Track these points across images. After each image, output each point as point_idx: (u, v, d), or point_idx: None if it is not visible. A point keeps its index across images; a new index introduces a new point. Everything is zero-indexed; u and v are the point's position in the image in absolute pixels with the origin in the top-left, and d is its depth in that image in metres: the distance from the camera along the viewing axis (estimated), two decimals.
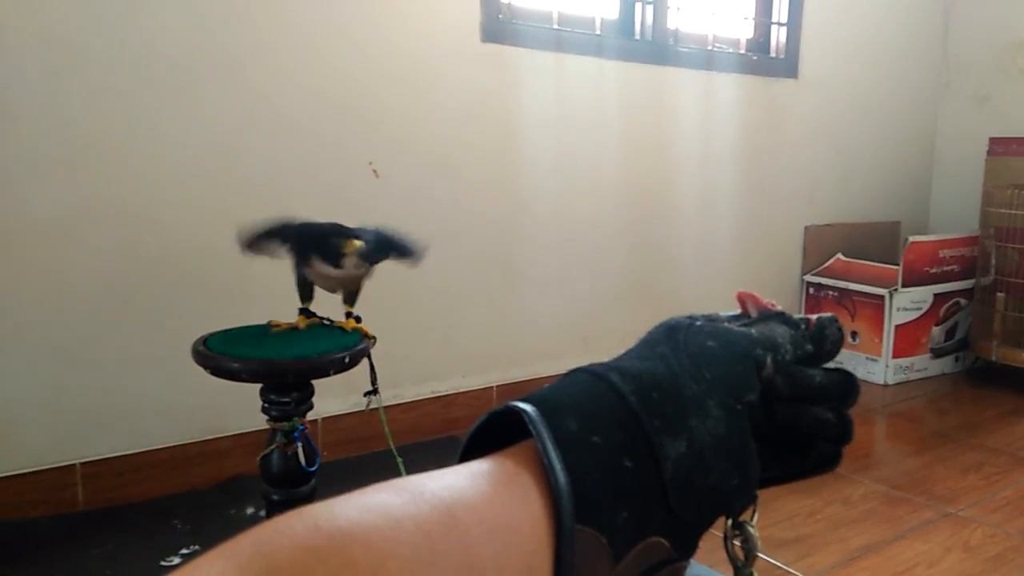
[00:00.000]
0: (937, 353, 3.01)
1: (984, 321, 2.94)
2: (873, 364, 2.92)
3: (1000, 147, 3.25)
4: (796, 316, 0.52)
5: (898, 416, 2.66)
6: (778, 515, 1.87)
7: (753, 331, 0.48)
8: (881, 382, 2.89)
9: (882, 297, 2.89)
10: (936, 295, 2.96)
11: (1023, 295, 2.84)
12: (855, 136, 3.32)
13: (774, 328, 0.49)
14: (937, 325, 2.99)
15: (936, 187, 3.61)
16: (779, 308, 0.54)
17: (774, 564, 1.65)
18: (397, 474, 2.08)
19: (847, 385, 0.47)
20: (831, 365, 0.49)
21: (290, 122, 2.01)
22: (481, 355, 2.42)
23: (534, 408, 0.37)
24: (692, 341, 0.46)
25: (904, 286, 2.87)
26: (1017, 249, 2.85)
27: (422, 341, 2.30)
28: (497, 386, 2.45)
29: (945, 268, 2.99)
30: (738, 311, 0.54)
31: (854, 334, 2.98)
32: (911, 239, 2.93)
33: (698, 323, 0.49)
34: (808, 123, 3.14)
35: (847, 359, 2.99)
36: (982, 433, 2.45)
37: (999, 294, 2.86)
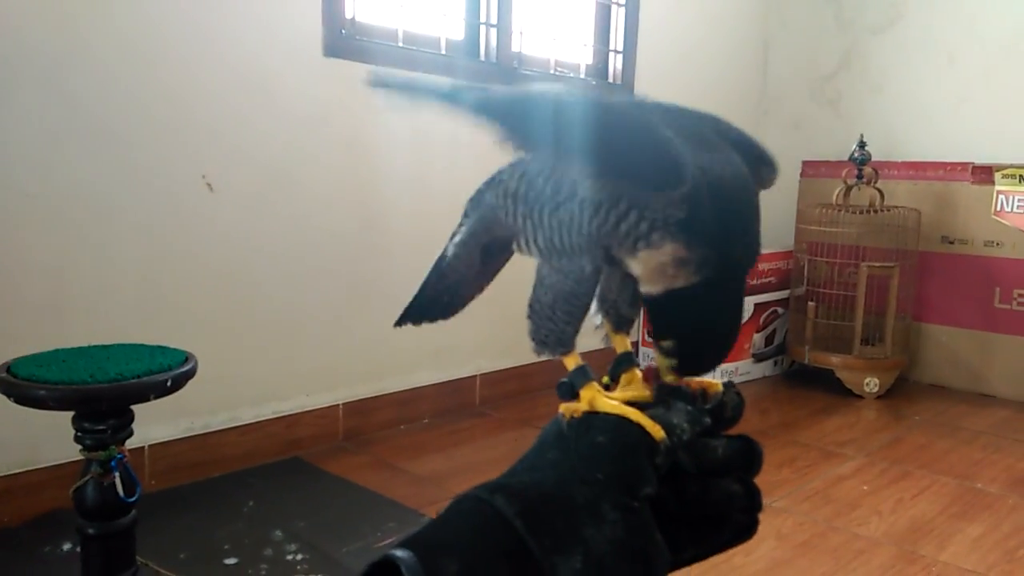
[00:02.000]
0: (758, 358, 3.26)
1: (798, 328, 3.22)
2: None
3: (811, 169, 3.58)
4: (690, 389, 0.53)
5: None
6: None
7: (648, 413, 0.48)
8: None
9: None
10: (756, 304, 3.21)
11: (831, 304, 3.14)
12: None
13: (672, 406, 0.50)
14: (758, 332, 3.25)
15: None
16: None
17: None
18: (229, 503, 2.01)
19: (750, 454, 0.49)
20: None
21: (112, 132, 1.90)
22: (326, 373, 2.38)
23: (412, 555, 0.36)
24: (582, 441, 0.46)
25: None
26: (826, 262, 3.15)
27: (261, 360, 2.23)
28: (343, 403, 2.41)
29: (764, 280, 3.25)
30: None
31: None
32: None
33: (589, 418, 0.49)
34: None
35: None
36: (796, 430, 2.68)
37: (810, 303, 3.14)
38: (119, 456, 1.29)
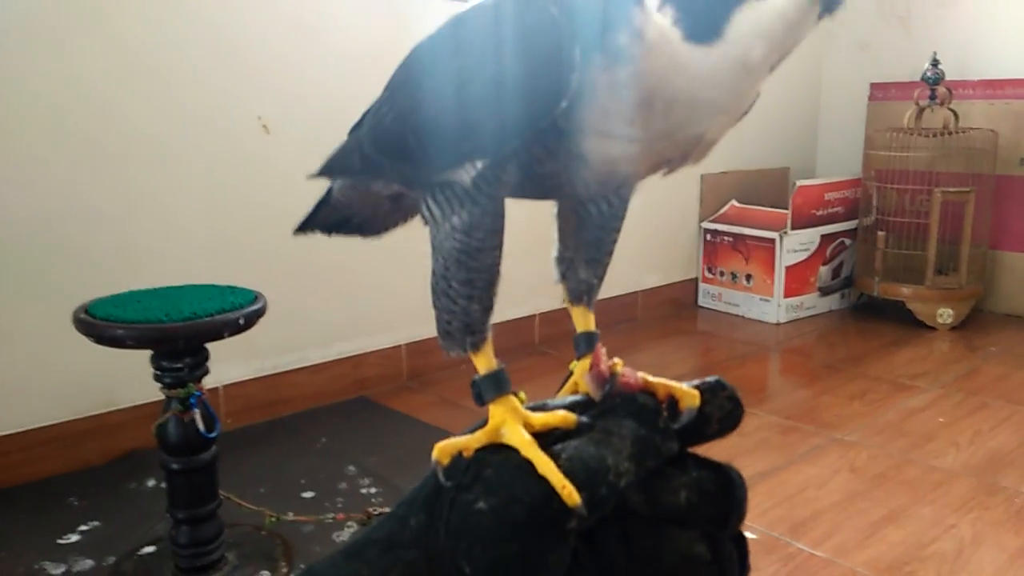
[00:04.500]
0: (824, 291, 3.17)
1: (867, 259, 3.11)
2: (766, 304, 3.05)
3: (880, 92, 3.42)
4: (653, 399, 0.41)
5: (790, 352, 2.80)
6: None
7: (570, 449, 0.36)
8: (774, 321, 3.03)
9: (773, 240, 3.01)
10: (823, 236, 3.11)
11: (902, 233, 3.02)
12: None
13: (617, 430, 0.38)
14: (824, 265, 3.15)
15: (822, 133, 3.76)
16: (640, 378, 0.43)
17: None
18: (302, 440, 2.06)
19: (725, 501, 0.38)
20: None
21: (168, 77, 1.90)
22: (389, 313, 2.39)
23: None
24: (458, 506, 0.36)
25: (793, 229, 3.01)
26: (896, 189, 3.02)
27: (325, 301, 2.25)
28: (406, 344, 2.43)
29: (831, 210, 3.14)
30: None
31: (748, 277, 3.11)
32: (799, 183, 3.06)
33: (481, 460, 0.38)
34: None
35: (742, 301, 3.12)
36: (865, 363, 2.61)
37: (880, 233, 3.03)
38: (197, 393, 1.31)
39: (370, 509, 1.61)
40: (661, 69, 0.40)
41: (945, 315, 2.93)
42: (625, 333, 2.89)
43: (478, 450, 0.41)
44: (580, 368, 0.49)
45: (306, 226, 0.70)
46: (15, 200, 1.73)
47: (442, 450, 0.42)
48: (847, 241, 3.22)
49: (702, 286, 3.29)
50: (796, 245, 3.03)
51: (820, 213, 3.11)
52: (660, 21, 0.39)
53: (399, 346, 2.42)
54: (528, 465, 0.38)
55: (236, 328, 1.28)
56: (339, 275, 2.26)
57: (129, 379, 1.81)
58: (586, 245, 0.54)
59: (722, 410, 0.41)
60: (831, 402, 2.28)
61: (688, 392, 0.43)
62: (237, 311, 1.29)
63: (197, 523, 1.37)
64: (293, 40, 2.10)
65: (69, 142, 1.78)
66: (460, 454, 0.41)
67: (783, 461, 1.90)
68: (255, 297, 1.37)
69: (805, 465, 1.88)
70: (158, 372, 1.31)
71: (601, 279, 0.55)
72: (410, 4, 2.25)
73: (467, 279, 0.47)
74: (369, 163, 0.54)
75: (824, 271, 3.16)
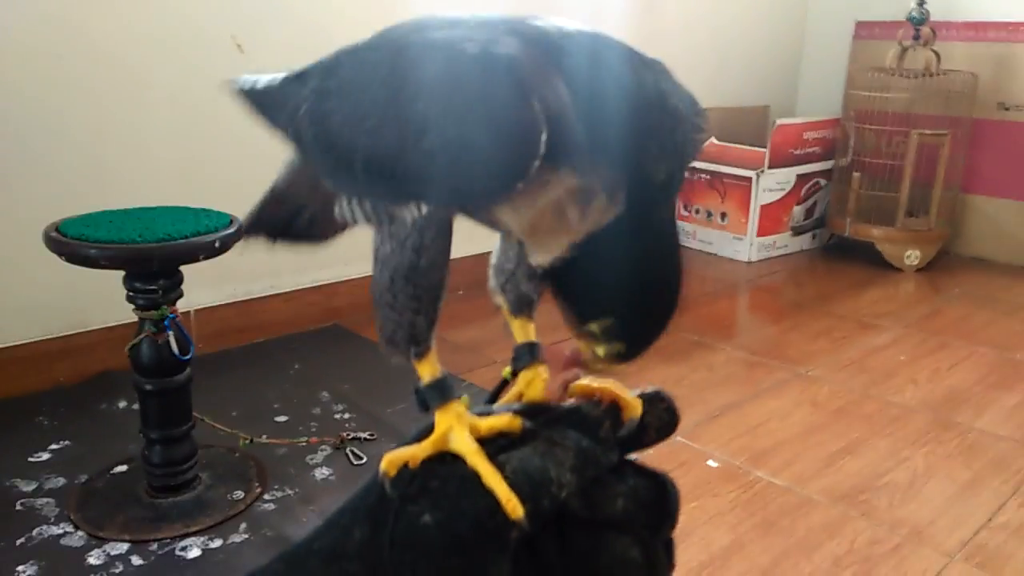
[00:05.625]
0: (797, 231, 3.20)
1: (840, 200, 3.14)
2: (739, 243, 3.08)
3: (865, 31, 3.39)
4: (596, 408, 0.42)
5: (759, 290, 2.84)
6: (647, 382, 1.99)
7: (515, 461, 0.37)
8: (745, 259, 3.07)
9: (749, 179, 3.02)
10: (799, 176, 3.12)
11: (877, 174, 3.04)
12: (729, 21, 3.36)
13: (560, 440, 0.39)
14: (798, 204, 3.17)
15: (804, 71, 3.73)
16: (596, 388, 0.43)
17: None
18: (275, 366, 2.05)
19: (660, 509, 0.39)
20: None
21: None
22: (364, 242, 2.37)
23: None
24: (403, 518, 0.35)
25: (770, 167, 3.01)
26: (873, 130, 3.03)
27: None
28: None
29: (808, 150, 3.15)
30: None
31: (723, 215, 3.12)
32: (778, 122, 3.05)
33: (428, 470, 0.37)
34: (685, 8, 3.15)
35: (716, 239, 3.14)
36: (833, 303, 2.66)
37: (855, 174, 3.05)
38: (171, 316, 1.31)
39: (343, 434, 1.63)
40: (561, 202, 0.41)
41: (912, 256, 2.98)
42: None
43: (425, 460, 0.42)
44: (527, 377, 0.49)
45: (252, 229, 0.66)
46: None
47: (390, 461, 0.42)
48: (822, 182, 3.24)
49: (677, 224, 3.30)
50: (772, 184, 3.04)
51: (797, 152, 3.11)
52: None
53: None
54: (474, 477, 0.38)
55: (212, 251, 1.27)
56: None
57: (101, 300, 1.79)
58: (527, 259, 0.52)
59: (660, 420, 0.43)
60: (797, 339, 2.34)
61: (631, 402, 0.45)
62: (213, 234, 1.28)
63: (170, 443, 1.39)
64: None
65: (37, 61, 1.72)
66: (406, 464, 0.41)
67: (748, 394, 1.95)
68: (230, 221, 1.36)
69: (769, 399, 1.94)
70: (131, 293, 1.30)
71: (540, 295, 0.54)
72: None
73: (413, 295, 0.47)
74: (304, 149, 0.52)
75: (798, 211, 3.18)
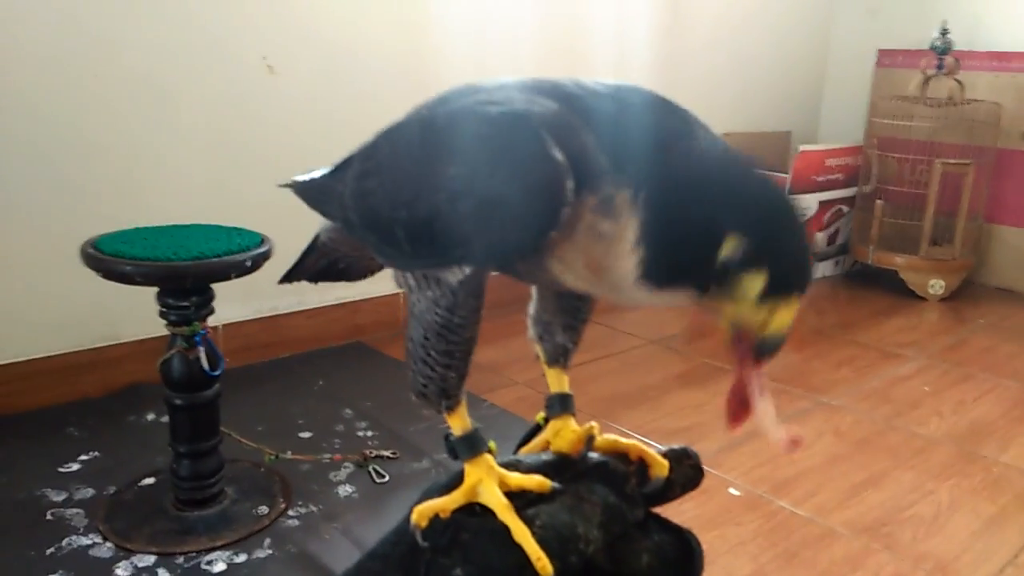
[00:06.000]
0: (819, 258, 3.20)
1: (863, 227, 3.13)
2: None
3: (887, 59, 3.39)
4: (626, 465, 0.42)
5: None
6: (669, 407, 1.99)
7: (544, 516, 0.38)
8: None
9: None
10: (821, 202, 3.12)
11: (900, 202, 3.03)
12: (752, 47, 3.37)
13: (588, 496, 0.39)
14: (820, 231, 3.17)
15: (826, 98, 3.74)
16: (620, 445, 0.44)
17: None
18: (299, 382, 2.07)
19: (684, 568, 0.40)
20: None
21: (173, 14, 1.87)
22: None
23: None
24: (434, 573, 0.37)
25: (792, 193, 3.01)
26: (896, 158, 3.03)
27: None
28: (403, 292, 2.44)
29: (831, 177, 3.15)
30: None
31: None
32: (801, 148, 3.06)
33: (458, 523, 0.38)
34: (708, 33, 3.17)
35: None
36: (855, 331, 2.65)
37: (878, 201, 3.04)
38: (202, 332, 1.33)
39: (366, 452, 1.65)
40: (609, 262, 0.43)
41: (936, 286, 2.96)
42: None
43: (455, 511, 0.43)
44: (556, 426, 0.51)
45: (292, 276, 0.72)
46: (18, 134, 1.71)
47: (421, 513, 0.43)
48: (844, 208, 3.23)
49: None
50: None
51: (820, 179, 3.11)
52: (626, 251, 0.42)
53: (396, 294, 2.44)
54: (504, 531, 0.39)
55: (243, 270, 1.29)
56: None
57: (131, 314, 1.82)
58: (563, 311, 0.55)
59: (685, 477, 0.43)
60: (819, 367, 2.33)
61: (658, 461, 0.46)
62: (245, 253, 1.30)
63: (198, 457, 1.40)
64: None
65: (71, 78, 1.76)
66: (437, 515, 0.43)
67: None
68: (261, 240, 1.38)
69: (791, 427, 1.92)
70: (164, 309, 1.32)
71: (576, 344, 0.57)
72: None
73: (446, 350, 0.49)
74: (353, 230, 0.55)
75: (820, 237, 3.18)
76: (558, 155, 0.41)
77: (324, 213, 0.61)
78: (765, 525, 1.51)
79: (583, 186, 0.41)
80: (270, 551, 1.34)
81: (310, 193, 0.62)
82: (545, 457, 0.47)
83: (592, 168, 0.41)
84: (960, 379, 2.26)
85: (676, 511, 0.54)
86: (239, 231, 1.42)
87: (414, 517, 0.43)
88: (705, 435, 1.86)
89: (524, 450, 0.55)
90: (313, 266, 0.70)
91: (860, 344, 2.52)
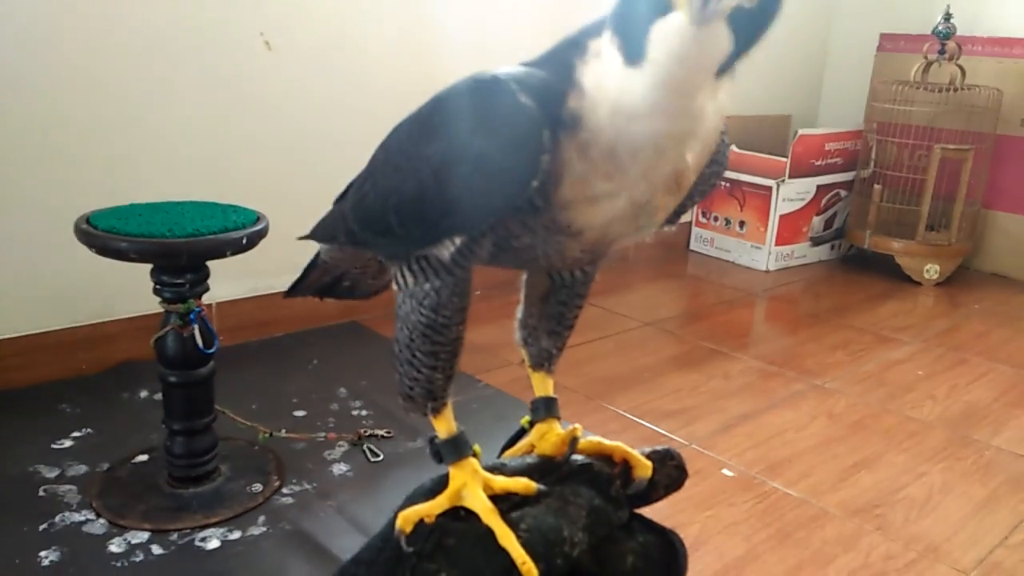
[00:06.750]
0: (815, 241, 3.19)
1: (860, 211, 3.13)
2: (757, 252, 3.08)
3: (889, 43, 3.37)
4: (609, 468, 0.42)
5: (777, 300, 2.84)
6: (664, 389, 2.00)
7: (529, 519, 0.38)
8: (763, 268, 3.06)
9: (770, 188, 3.01)
10: (819, 186, 3.11)
11: (898, 187, 3.02)
12: None
13: (573, 499, 0.40)
14: (817, 215, 3.16)
15: (827, 81, 3.72)
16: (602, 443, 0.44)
17: (659, 432, 1.77)
18: (294, 361, 2.07)
19: (669, 565, 0.40)
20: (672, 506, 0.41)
21: None
22: None
23: None
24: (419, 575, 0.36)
25: (791, 177, 3.00)
26: (896, 143, 3.02)
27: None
28: None
29: (829, 161, 3.14)
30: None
31: (742, 223, 3.12)
32: (800, 132, 3.04)
33: (442, 528, 0.38)
34: None
35: (734, 247, 3.14)
36: (850, 314, 2.65)
37: (876, 186, 3.04)
38: (197, 309, 1.32)
39: (361, 431, 1.65)
40: (609, 116, 0.43)
41: (932, 271, 2.97)
42: (616, 274, 2.91)
43: (440, 516, 0.43)
44: (541, 430, 0.51)
45: (296, 291, 0.74)
46: (13, 109, 1.70)
47: (405, 518, 0.43)
48: (842, 192, 3.22)
49: (695, 230, 3.31)
50: (792, 194, 3.04)
51: (819, 163, 3.10)
52: (599, 67, 0.43)
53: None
54: (489, 536, 0.39)
55: (239, 247, 1.29)
56: (335, 195, 2.25)
57: (126, 291, 1.82)
58: (548, 317, 0.56)
59: (669, 478, 0.43)
60: (814, 350, 2.33)
61: (642, 462, 0.46)
62: (240, 231, 1.29)
63: (192, 435, 1.40)
64: None
65: (67, 56, 1.74)
66: (422, 520, 0.43)
67: (764, 405, 1.95)
68: (257, 217, 1.37)
69: (785, 410, 1.93)
70: (158, 286, 1.31)
71: (561, 350, 0.57)
72: None
73: (431, 351, 0.50)
74: (354, 237, 0.56)
75: (817, 221, 3.17)
76: (531, 104, 0.42)
77: (332, 240, 0.63)
78: (758, 506, 1.51)
79: (559, 134, 0.42)
80: (264, 528, 1.34)
81: (320, 231, 0.64)
82: (530, 460, 0.47)
83: (565, 114, 0.43)
84: (954, 363, 2.27)
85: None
86: (235, 208, 1.41)
87: (399, 523, 0.43)
88: (699, 417, 1.86)
89: (509, 453, 0.55)
90: (317, 281, 0.71)
91: (855, 328, 2.52)
